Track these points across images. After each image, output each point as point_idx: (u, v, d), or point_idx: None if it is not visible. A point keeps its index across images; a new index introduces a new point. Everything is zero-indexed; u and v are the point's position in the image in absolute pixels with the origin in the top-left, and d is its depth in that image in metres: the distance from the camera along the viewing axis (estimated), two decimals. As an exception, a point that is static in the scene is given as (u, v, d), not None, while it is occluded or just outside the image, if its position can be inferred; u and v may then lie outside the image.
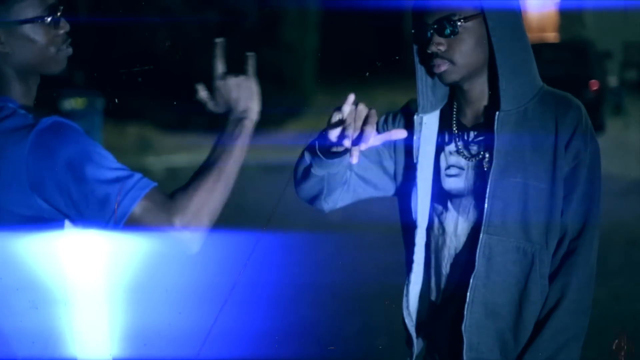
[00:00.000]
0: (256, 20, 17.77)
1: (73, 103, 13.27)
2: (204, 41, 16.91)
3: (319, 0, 18.42)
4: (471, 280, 2.36)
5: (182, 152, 14.32)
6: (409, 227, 2.50)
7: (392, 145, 2.53)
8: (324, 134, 2.26)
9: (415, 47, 2.46)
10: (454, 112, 2.47)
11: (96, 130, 13.34)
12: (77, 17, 18.85)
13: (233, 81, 2.21)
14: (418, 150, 2.46)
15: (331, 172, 2.41)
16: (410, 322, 2.48)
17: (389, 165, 2.54)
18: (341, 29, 20.66)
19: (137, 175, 1.98)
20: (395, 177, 2.54)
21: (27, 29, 2.04)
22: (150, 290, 6.14)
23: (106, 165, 1.96)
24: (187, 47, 16.90)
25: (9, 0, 2.01)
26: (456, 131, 2.45)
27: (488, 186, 2.35)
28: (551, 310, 2.34)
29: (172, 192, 1.99)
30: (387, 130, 2.53)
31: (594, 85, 16.08)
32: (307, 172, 2.45)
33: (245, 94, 2.19)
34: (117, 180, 1.95)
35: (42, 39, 2.05)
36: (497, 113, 2.37)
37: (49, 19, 2.05)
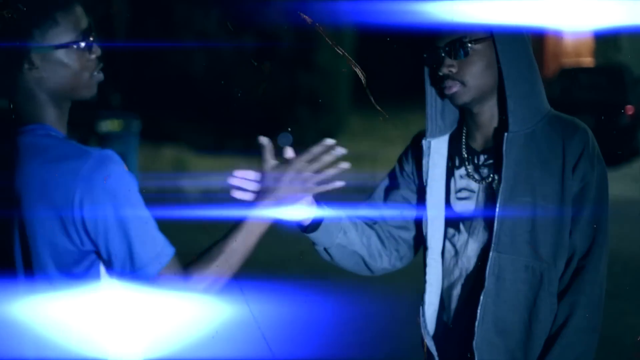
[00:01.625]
0: (291, 44, 17.84)
1: (109, 125, 13.37)
2: (239, 65, 17.01)
3: (355, 25, 18.47)
4: (481, 298, 2.40)
5: (218, 173, 14.38)
6: (425, 249, 2.55)
7: (411, 176, 2.60)
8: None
9: (426, 71, 2.52)
10: (464, 137, 2.53)
11: (132, 152, 13.42)
12: (113, 41, 19.04)
13: (289, 176, 2.18)
14: (427, 173, 2.52)
15: (325, 242, 2.49)
16: (430, 342, 2.52)
17: (414, 201, 2.61)
18: (376, 53, 20.70)
19: (163, 240, 2.02)
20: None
21: (62, 54, 2.05)
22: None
23: (142, 218, 2.00)
24: (223, 70, 16.99)
25: (43, 26, 2.02)
26: (466, 155, 2.51)
27: (497, 206, 2.40)
28: (560, 327, 2.38)
29: (188, 264, 2.05)
30: (408, 164, 2.61)
31: (630, 110, 15.99)
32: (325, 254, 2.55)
33: (292, 195, 2.18)
34: (150, 239, 1.99)
35: (75, 64, 2.07)
36: (505, 134, 2.42)
37: (83, 44, 2.06)
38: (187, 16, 17.69)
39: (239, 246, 2.09)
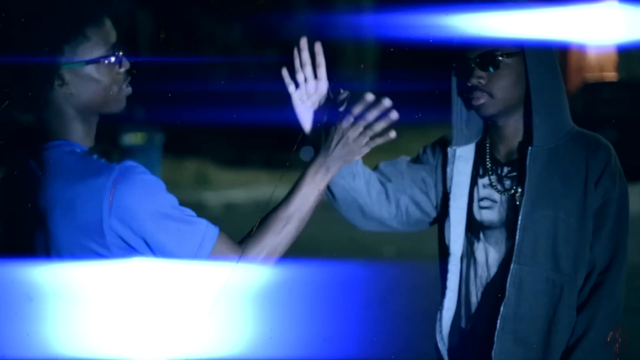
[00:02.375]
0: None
1: (133, 138, 13.43)
2: (262, 79, 17.06)
3: (376, 38, 18.49)
4: (502, 308, 2.43)
5: (240, 187, 14.41)
6: (444, 254, 2.58)
7: (434, 175, 2.62)
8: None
9: (454, 80, 2.54)
10: (488, 147, 2.55)
11: (155, 165, 13.47)
12: (138, 55, 19.12)
13: (352, 133, 2.20)
14: (451, 180, 2.55)
15: (340, 184, 2.51)
16: (443, 347, 2.56)
17: (432, 193, 2.63)
18: (397, 67, 20.73)
19: (205, 222, 2.05)
20: (436, 205, 2.63)
21: (92, 69, 2.04)
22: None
23: (181, 209, 2.03)
24: (246, 84, 17.04)
25: (73, 42, 2.01)
26: (490, 166, 2.54)
27: (519, 218, 2.43)
28: (578, 340, 2.42)
29: (242, 240, 2.08)
30: (427, 161, 2.63)
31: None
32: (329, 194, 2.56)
33: (345, 150, 2.21)
34: (193, 223, 2.02)
35: (105, 79, 2.06)
36: (529, 148, 2.45)
37: (113, 59, 2.06)
38: (210, 30, 17.76)
39: (295, 212, 2.11)
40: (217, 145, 16.91)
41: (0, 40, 2.00)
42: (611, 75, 23.24)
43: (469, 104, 2.51)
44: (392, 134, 2.24)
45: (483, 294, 2.51)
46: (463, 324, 2.55)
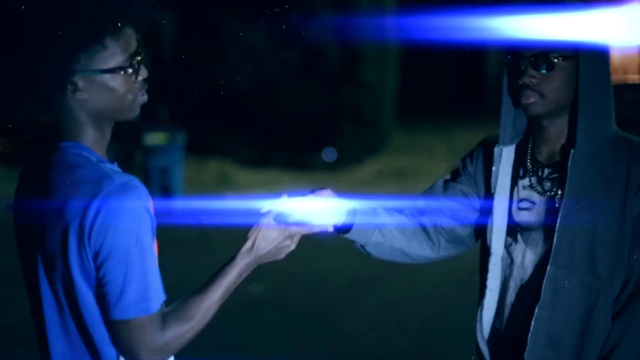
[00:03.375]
0: (336, 59, 17.87)
1: (155, 138, 13.46)
2: (285, 80, 17.08)
3: (399, 40, 18.48)
4: (536, 310, 2.43)
5: (262, 187, 14.43)
6: (485, 254, 2.59)
7: (474, 183, 2.63)
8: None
9: (505, 78, 2.53)
10: (529, 148, 2.56)
11: (177, 165, 13.50)
12: (160, 55, 19.19)
13: (267, 232, 2.24)
14: (496, 180, 2.54)
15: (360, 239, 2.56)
16: (485, 347, 2.56)
17: (474, 201, 2.65)
18: (420, 69, 20.68)
19: (158, 287, 2.00)
20: (476, 208, 2.64)
21: (107, 77, 2.00)
22: None
23: (151, 260, 1.97)
24: (269, 85, 17.08)
25: (90, 50, 1.97)
26: (530, 166, 2.54)
27: (558, 221, 2.42)
28: (613, 347, 2.40)
29: (165, 317, 2.02)
30: (466, 172, 2.65)
31: (678, 127, 15.80)
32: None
33: (269, 250, 2.24)
34: (148, 286, 1.97)
35: (121, 88, 2.03)
36: (572, 151, 2.44)
37: (130, 70, 2.03)
38: (233, 31, 17.80)
39: (217, 303, 2.10)
40: (239, 146, 16.94)
41: (18, 43, 1.97)
42: (635, 77, 23.13)
43: (517, 102, 2.51)
44: (329, 229, 2.39)
45: (518, 295, 2.50)
46: (498, 324, 2.55)
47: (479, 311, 2.55)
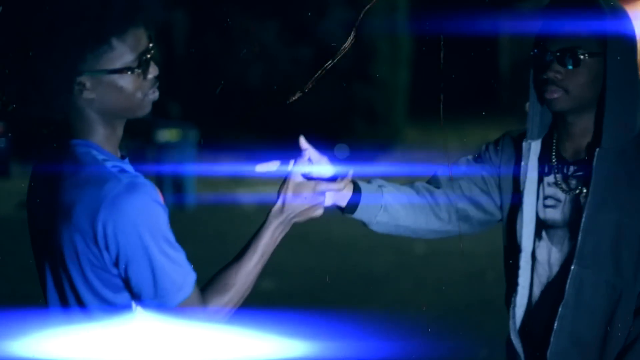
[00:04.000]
0: (348, 55, 17.85)
1: (167, 135, 13.48)
2: (297, 77, 17.08)
3: (411, 36, 18.46)
4: (560, 309, 2.40)
5: (274, 185, 14.43)
6: (512, 252, 2.54)
7: (497, 172, 2.59)
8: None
9: (532, 71, 2.50)
10: (554, 144, 2.52)
11: (190, 162, 13.51)
12: (173, 51, 19.21)
13: (295, 190, 2.25)
14: (525, 176, 2.50)
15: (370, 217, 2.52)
16: (519, 344, 2.51)
17: (494, 192, 2.60)
18: (433, 65, 20.65)
19: (188, 270, 1.99)
20: (500, 203, 2.59)
21: (115, 77, 1.97)
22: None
23: (175, 246, 1.97)
24: (281, 81, 17.08)
25: (96, 51, 1.94)
26: (555, 163, 2.50)
27: (583, 220, 2.39)
28: (632, 343, 2.38)
29: (205, 290, 2.04)
30: (489, 159, 2.61)
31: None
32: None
33: (300, 208, 2.23)
34: (181, 265, 1.97)
35: (130, 87, 1.99)
36: (597, 150, 2.41)
37: (139, 70, 1.99)
38: (245, 27, 17.80)
39: (255, 268, 2.10)
40: (251, 142, 16.94)
41: (24, 44, 1.94)
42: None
43: (541, 97, 2.46)
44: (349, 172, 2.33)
45: (543, 293, 2.48)
46: (525, 322, 2.53)
47: (511, 308, 2.51)
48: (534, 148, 2.51)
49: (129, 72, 1.97)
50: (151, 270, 1.93)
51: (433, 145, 18.42)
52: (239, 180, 15.32)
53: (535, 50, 2.46)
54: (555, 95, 2.42)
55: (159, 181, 13.35)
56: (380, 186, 2.55)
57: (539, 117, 2.51)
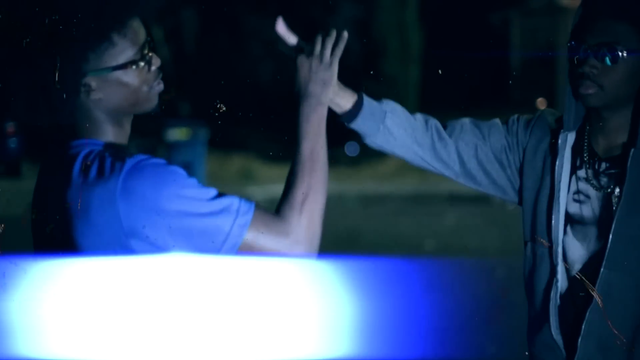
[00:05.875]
0: (359, 53, 17.85)
1: (177, 133, 13.49)
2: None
3: (422, 33, 18.44)
4: (587, 314, 2.33)
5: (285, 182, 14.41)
6: (535, 241, 2.45)
7: (522, 151, 2.49)
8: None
9: (568, 57, 2.38)
10: (586, 137, 2.42)
11: (199, 160, 13.53)
12: (183, 50, 19.21)
13: (314, 64, 2.20)
14: (562, 167, 2.41)
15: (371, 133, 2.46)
16: (560, 341, 2.43)
17: (513, 172, 2.50)
18: (443, 61, 20.63)
19: (235, 200, 1.94)
20: (520, 188, 2.49)
21: (119, 73, 1.95)
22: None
23: (200, 197, 1.91)
24: (289, 79, 17.07)
25: (98, 49, 1.92)
26: (587, 158, 2.40)
27: (614, 222, 2.31)
28: None
29: (277, 208, 1.99)
30: (515, 132, 2.50)
31: None
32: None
33: (322, 79, 2.19)
34: (219, 211, 1.91)
35: (135, 81, 1.97)
36: (632, 150, 2.32)
37: (142, 63, 1.97)
38: (255, 25, 17.80)
39: (312, 153, 2.05)
40: (262, 140, 16.95)
41: (25, 49, 1.91)
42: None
43: (575, 91, 2.36)
44: (344, 35, 2.23)
45: (565, 290, 2.41)
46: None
47: (551, 305, 2.41)
48: (569, 139, 2.41)
49: (133, 67, 1.96)
50: (195, 226, 1.88)
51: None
52: (249, 178, 15.33)
53: (572, 42, 2.35)
54: (590, 91, 2.32)
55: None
56: (383, 109, 2.47)
57: (574, 108, 2.41)
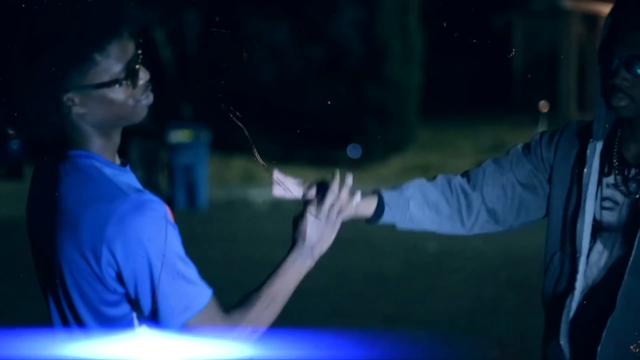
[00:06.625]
0: (361, 56, 17.86)
1: (180, 136, 13.51)
2: (309, 77, 17.09)
3: (424, 36, 18.45)
4: (609, 322, 2.31)
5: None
6: (562, 250, 2.44)
7: (549, 165, 2.49)
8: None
9: (599, 68, 2.35)
10: (616, 144, 2.41)
11: (202, 162, 13.54)
12: (185, 52, 19.22)
13: (311, 219, 2.19)
14: (589, 176, 2.39)
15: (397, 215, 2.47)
16: (567, 349, 2.42)
17: (542, 186, 2.49)
18: (445, 65, 20.64)
19: (200, 284, 1.96)
20: (549, 197, 2.48)
21: (104, 91, 1.92)
22: None
23: (187, 263, 1.94)
24: (293, 82, 17.09)
25: (80, 68, 1.89)
26: (617, 164, 2.39)
27: None
28: None
29: (232, 308, 2.02)
30: (540, 151, 2.50)
31: None
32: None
33: (323, 236, 2.20)
34: (193, 282, 1.94)
35: (120, 97, 1.94)
36: None
37: (127, 81, 1.94)
38: (257, 28, 17.82)
39: (278, 293, 2.07)
40: (263, 143, 16.95)
41: (8, 65, 1.90)
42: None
43: (607, 103, 2.33)
44: (357, 197, 2.24)
45: (588, 296, 2.39)
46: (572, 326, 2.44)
47: (564, 312, 2.40)
48: (598, 147, 2.40)
49: (117, 85, 1.93)
50: (155, 290, 1.89)
51: (445, 144, 18.43)
52: (251, 180, 15.34)
53: (603, 53, 2.32)
54: (622, 104, 2.29)
55: (171, 182, 13.39)
56: (405, 197, 2.48)
57: (604, 117, 2.39)
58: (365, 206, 2.44)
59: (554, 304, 2.45)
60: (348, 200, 2.22)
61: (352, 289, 8.04)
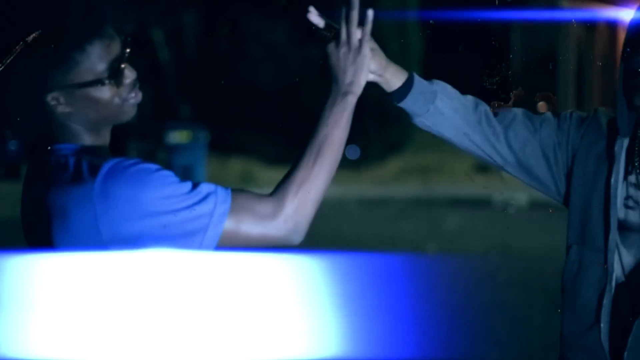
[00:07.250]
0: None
1: (178, 136, 13.50)
2: (306, 76, 17.07)
3: (422, 35, 18.44)
4: (634, 327, 2.26)
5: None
6: (584, 245, 2.39)
7: (571, 152, 2.42)
8: None
9: (621, 65, 2.30)
10: (637, 143, 2.34)
11: (200, 163, 13.53)
12: (183, 53, 19.22)
13: (343, 51, 2.13)
14: (618, 173, 2.32)
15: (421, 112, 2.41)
16: (607, 348, 2.35)
17: (559, 174, 2.43)
18: (444, 63, 20.64)
19: (212, 190, 1.88)
20: (569, 187, 2.42)
21: (88, 90, 1.90)
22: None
23: (177, 194, 1.86)
24: (290, 81, 17.08)
25: (61, 68, 1.87)
26: (638, 164, 2.33)
27: None
28: None
29: (275, 188, 1.94)
30: (567, 131, 2.43)
31: None
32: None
33: (353, 67, 2.13)
34: (196, 204, 1.85)
35: (104, 96, 1.91)
36: None
37: (110, 80, 1.91)
38: (255, 28, 17.81)
39: (324, 139, 2.02)
40: (262, 143, 16.95)
41: None
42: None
43: (630, 101, 2.28)
44: (370, 15, 2.18)
45: (616, 295, 2.32)
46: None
47: (603, 313, 2.33)
48: (625, 144, 2.34)
49: (100, 85, 1.90)
50: (174, 226, 1.84)
51: (444, 146, 18.43)
52: (249, 180, 15.33)
53: (627, 51, 2.27)
54: None
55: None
56: (434, 90, 2.41)
57: (626, 115, 2.32)
58: (394, 72, 2.38)
59: (579, 300, 2.38)
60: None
61: (350, 288, 8.02)
